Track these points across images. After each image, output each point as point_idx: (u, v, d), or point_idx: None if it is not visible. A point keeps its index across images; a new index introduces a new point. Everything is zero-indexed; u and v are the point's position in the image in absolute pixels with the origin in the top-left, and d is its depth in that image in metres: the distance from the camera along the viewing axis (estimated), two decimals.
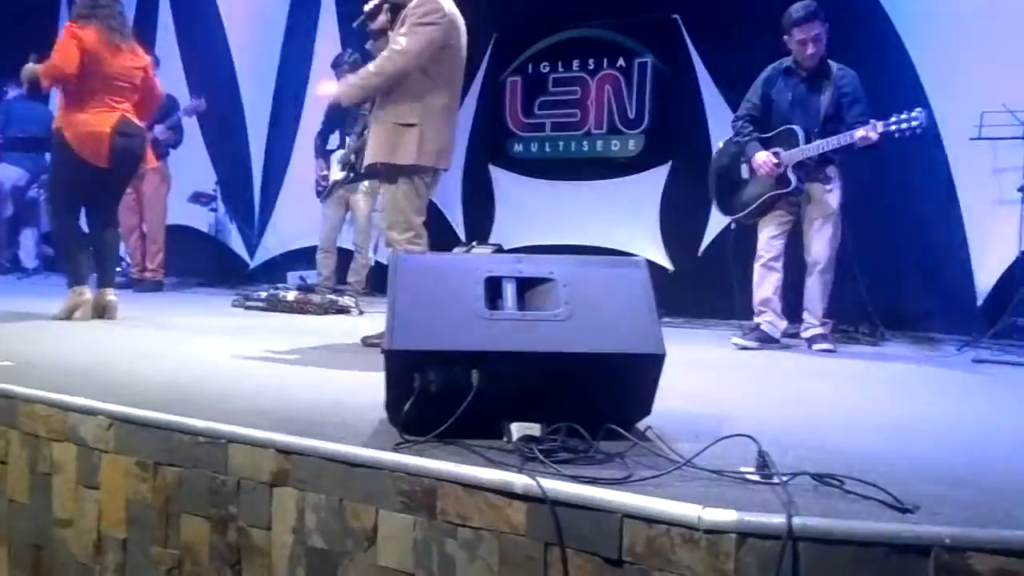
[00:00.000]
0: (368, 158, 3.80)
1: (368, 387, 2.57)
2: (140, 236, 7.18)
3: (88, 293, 4.65)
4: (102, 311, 4.66)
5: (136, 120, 4.73)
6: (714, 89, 6.27)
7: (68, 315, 4.57)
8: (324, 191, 6.20)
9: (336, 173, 6.10)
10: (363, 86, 3.79)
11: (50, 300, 4.86)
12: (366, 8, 3.82)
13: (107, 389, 2.51)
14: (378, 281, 6.44)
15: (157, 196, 7.16)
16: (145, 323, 4.71)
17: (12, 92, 8.16)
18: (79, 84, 4.51)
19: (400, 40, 3.67)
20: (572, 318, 2.06)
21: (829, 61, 4.48)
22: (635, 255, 6.16)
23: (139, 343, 3.92)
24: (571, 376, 2.02)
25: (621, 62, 6.77)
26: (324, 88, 3.58)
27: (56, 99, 4.63)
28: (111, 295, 4.72)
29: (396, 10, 3.77)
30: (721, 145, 4.95)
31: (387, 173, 3.79)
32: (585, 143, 6.92)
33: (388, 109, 3.74)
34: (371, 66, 3.75)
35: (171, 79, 7.64)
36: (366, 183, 6.03)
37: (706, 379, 3.39)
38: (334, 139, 6.35)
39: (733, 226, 4.84)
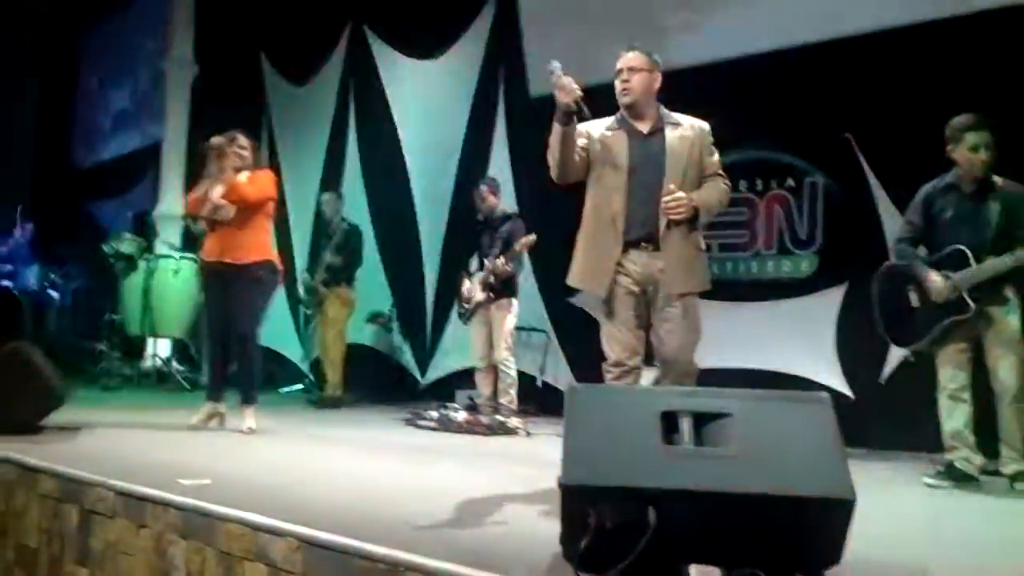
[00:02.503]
0: (692, 286, 3.82)
1: (542, 517, 2.56)
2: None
3: None
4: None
5: None
6: (891, 207, 6.05)
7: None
8: (466, 313, 6.38)
9: (478, 295, 6.28)
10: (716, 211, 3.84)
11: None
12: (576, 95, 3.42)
13: (293, 508, 2.63)
14: (547, 402, 6.47)
15: (337, 320, 7.61)
16: (325, 440, 4.95)
17: None
18: (270, 221, 5.21)
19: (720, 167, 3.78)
20: (752, 456, 1.99)
21: (992, 175, 4.25)
22: (810, 380, 6.00)
23: (320, 461, 4.11)
24: (751, 517, 1.94)
25: (790, 182, 6.67)
26: (678, 204, 3.63)
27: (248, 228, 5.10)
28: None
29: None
30: (880, 272, 4.73)
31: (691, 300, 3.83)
32: (754, 264, 6.80)
33: (696, 236, 3.80)
34: (724, 196, 3.78)
35: (355, 207, 8.22)
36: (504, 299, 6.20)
37: (899, 522, 3.16)
38: (472, 261, 6.56)
39: (912, 358, 4.56)
